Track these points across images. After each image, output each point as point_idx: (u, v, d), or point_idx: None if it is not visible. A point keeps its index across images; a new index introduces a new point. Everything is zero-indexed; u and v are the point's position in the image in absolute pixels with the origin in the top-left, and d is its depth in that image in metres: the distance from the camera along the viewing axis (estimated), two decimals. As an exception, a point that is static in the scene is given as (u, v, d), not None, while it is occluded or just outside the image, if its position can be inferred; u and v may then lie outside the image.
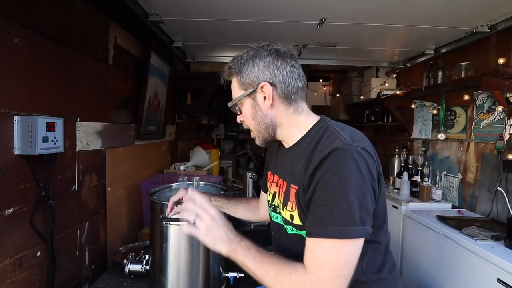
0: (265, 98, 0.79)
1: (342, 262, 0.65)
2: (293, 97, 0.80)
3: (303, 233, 0.77)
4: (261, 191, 1.13)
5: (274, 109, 0.80)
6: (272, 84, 0.78)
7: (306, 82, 0.83)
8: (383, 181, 0.76)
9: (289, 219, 0.81)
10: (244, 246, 0.72)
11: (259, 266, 0.70)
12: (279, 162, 0.91)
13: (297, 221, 0.78)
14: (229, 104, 0.85)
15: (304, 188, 0.73)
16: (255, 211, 1.14)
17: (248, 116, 0.83)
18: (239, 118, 0.87)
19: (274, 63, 0.78)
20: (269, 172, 0.97)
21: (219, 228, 0.73)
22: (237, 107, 0.84)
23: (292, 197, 0.79)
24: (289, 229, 0.82)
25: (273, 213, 0.91)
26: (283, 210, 0.83)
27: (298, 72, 0.81)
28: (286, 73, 0.78)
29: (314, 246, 0.67)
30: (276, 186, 0.89)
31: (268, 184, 0.96)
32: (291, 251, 0.85)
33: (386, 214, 0.82)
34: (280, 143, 0.92)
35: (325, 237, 0.65)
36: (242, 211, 1.12)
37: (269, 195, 0.94)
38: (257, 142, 0.87)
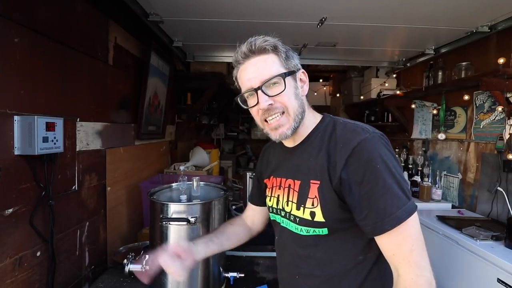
0: (302, 84, 0.82)
1: (420, 234, 0.69)
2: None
3: (324, 230, 0.76)
4: (247, 205, 1.09)
5: (304, 98, 0.83)
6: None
7: None
8: None
9: (308, 218, 0.77)
10: None
11: None
12: (282, 164, 0.89)
13: (319, 218, 0.75)
14: (285, 74, 0.76)
15: (335, 180, 0.72)
16: (244, 232, 1.06)
17: (291, 94, 0.78)
18: (268, 101, 0.76)
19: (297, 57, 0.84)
20: (268, 179, 0.94)
21: None
22: (276, 82, 0.76)
23: (313, 192, 0.76)
24: (304, 230, 0.79)
25: (281, 218, 0.88)
26: (297, 210, 0.80)
27: None
28: None
29: (395, 238, 0.68)
30: (280, 189, 0.87)
31: (268, 190, 0.94)
32: (302, 255, 0.82)
33: None
34: (279, 146, 0.91)
35: (398, 224, 0.66)
36: (228, 243, 1.01)
37: (271, 200, 0.91)
38: (288, 131, 0.77)
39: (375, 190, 0.68)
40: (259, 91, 0.76)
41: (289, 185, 0.84)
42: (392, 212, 0.66)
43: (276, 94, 0.76)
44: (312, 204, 0.76)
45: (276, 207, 0.89)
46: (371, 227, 0.69)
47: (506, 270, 1.40)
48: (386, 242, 0.70)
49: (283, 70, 0.77)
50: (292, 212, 0.82)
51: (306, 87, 0.83)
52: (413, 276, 0.66)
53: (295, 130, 0.79)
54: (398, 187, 0.68)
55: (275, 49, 0.78)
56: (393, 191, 0.67)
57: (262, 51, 0.77)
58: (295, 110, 0.78)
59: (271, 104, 0.76)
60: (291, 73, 0.78)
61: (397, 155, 2.88)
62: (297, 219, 0.80)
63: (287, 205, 0.83)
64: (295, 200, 0.81)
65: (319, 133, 0.80)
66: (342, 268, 0.78)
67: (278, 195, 0.88)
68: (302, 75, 0.82)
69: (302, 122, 0.80)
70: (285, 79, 0.76)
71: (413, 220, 0.68)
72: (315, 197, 0.76)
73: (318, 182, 0.75)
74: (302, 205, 0.78)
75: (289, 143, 0.87)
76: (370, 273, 0.76)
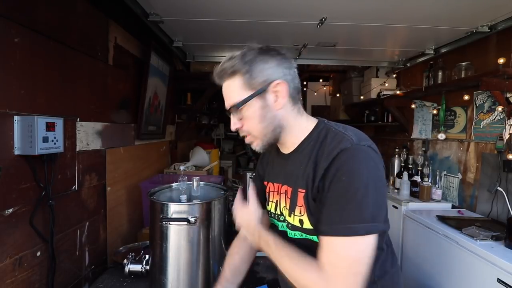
0: (276, 97, 0.77)
1: (353, 260, 0.66)
2: (297, 97, 0.81)
3: (314, 238, 0.76)
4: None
5: (283, 110, 0.78)
6: (285, 82, 0.77)
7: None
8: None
9: (298, 224, 0.79)
10: (265, 243, 0.80)
11: (281, 262, 0.75)
12: (279, 170, 0.89)
13: (307, 225, 0.76)
14: (238, 105, 0.77)
15: (314, 189, 0.73)
16: (250, 253, 1.04)
17: (255, 119, 0.78)
18: (236, 125, 0.81)
19: (284, 62, 0.78)
20: (266, 182, 0.95)
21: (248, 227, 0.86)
22: (236, 112, 0.79)
23: (300, 201, 0.77)
24: (298, 234, 0.81)
25: (278, 223, 0.89)
26: (289, 216, 0.81)
27: (297, 71, 0.82)
28: (293, 72, 0.79)
29: (327, 245, 0.68)
30: (278, 194, 0.88)
31: (267, 194, 0.94)
32: None
33: (387, 207, 0.81)
34: (275, 151, 0.91)
35: (336, 235, 0.66)
36: (241, 275, 1.03)
37: (269, 205, 0.92)
38: (258, 147, 0.82)
39: (332, 199, 0.68)
40: (231, 115, 0.81)
41: (285, 191, 0.84)
42: (335, 222, 0.66)
43: (241, 118, 0.80)
44: (300, 212, 0.78)
45: (274, 212, 0.89)
46: (320, 228, 0.70)
47: (506, 270, 1.40)
48: (320, 242, 0.70)
49: (246, 94, 0.76)
50: (286, 218, 0.84)
51: (281, 100, 0.76)
52: (318, 278, 0.67)
53: (266, 145, 0.81)
54: (356, 205, 0.65)
55: (235, 73, 0.77)
56: (346, 206, 0.66)
57: (224, 77, 0.79)
58: (259, 133, 0.79)
59: (238, 127, 0.81)
60: (255, 94, 0.75)
61: (396, 155, 2.90)
62: (290, 225, 0.82)
63: (284, 210, 0.85)
64: (288, 207, 0.82)
65: (312, 141, 0.79)
66: None
67: (277, 201, 0.88)
68: (277, 86, 0.76)
69: (284, 134, 0.81)
70: (244, 106, 0.76)
71: (354, 244, 0.65)
72: (302, 205, 0.77)
73: (304, 190, 0.76)
74: (293, 212, 0.80)
75: (284, 150, 0.86)
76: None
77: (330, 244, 0.67)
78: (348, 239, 0.65)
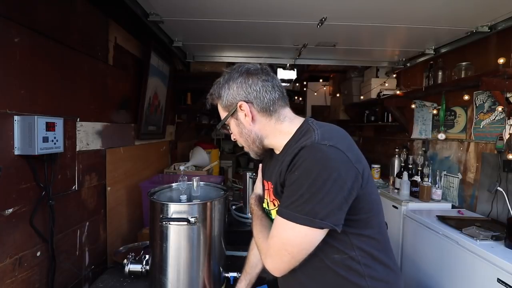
0: (245, 116, 0.85)
1: (287, 239, 0.75)
2: (271, 108, 0.85)
3: None
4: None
5: (257, 123, 0.86)
6: (248, 102, 0.84)
7: (284, 91, 0.88)
8: (368, 177, 0.78)
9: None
10: (251, 210, 0.98)
11: (254, 228, 0.92)
12: (270, 169, 0.94)
13: None
14: (218, 126, 0.93)
15: (281, 184, 0.81)
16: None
17: (236, 134, 0.90)
18: (232, 137, 0.94)
19: (246, 82, 0.84)
20: (263, 181, 1.01)
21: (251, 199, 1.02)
22: (228, 127, 0.92)
23: (271, 195, 0.87)
24: None
25: (272, 218, 0.94)
26: (271, 212, 0.90)
27: (272, 84, 0.86)
28: (259, 88, 0.84)
29: (275, 221, 0.79)
30: (269, 192, 0.93)
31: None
32: None
33: (376, 209, 0.83)
34: (272, 151, 0.95)
35: (281, 215, 0.76)
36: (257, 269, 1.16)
37: (265, 202, 0.97)
38: (251, 155, 0.94)
39: (286, 187, 0.77)
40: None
41: (271, 188, 0.90)
42: (282, 205, 0.76)
43: (231, 133, 0.93)
44: (274, 205, 0.88)
45: (268, 208, 0.94)
46: None
47: (506, 270, 1.40)
48: None
49: (224, 115, 0.89)
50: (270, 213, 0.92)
51: (248, 119, 0.85)
52: (264, 245, 0.81)
53: (258, 154, 0.92)
54: (297, 197, 0.72)
55: (215, 98, 0.89)
56: (291, 196, 0.74)
57: (214, 101, 0.92)
58: (244, 144, 0.92)
59: (234, 139, 0.94)
60: (228, 115, 0.87)
61: (396, 155, 2.90)
62: (272, 219, 0.89)
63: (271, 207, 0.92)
64: (269, 203, 0.92)
65: (294, 142, 0.82)
66: (319, 264, 0.81)
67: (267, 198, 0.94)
68: (242, 106, 0.84)
69: (269, 141, 0.88)
70: (224, 125, 0.90)
71: (289, 228, 0.73)
72: (274, 199, 0.87)
73: (273, 186, 0.86)
74: (269, 207, 0.91)
75: (277, 151, 0.91)
76: (350, 270, 0.79)
77: (276, 221, 0.78)
78: (287, 222, 0.74)
